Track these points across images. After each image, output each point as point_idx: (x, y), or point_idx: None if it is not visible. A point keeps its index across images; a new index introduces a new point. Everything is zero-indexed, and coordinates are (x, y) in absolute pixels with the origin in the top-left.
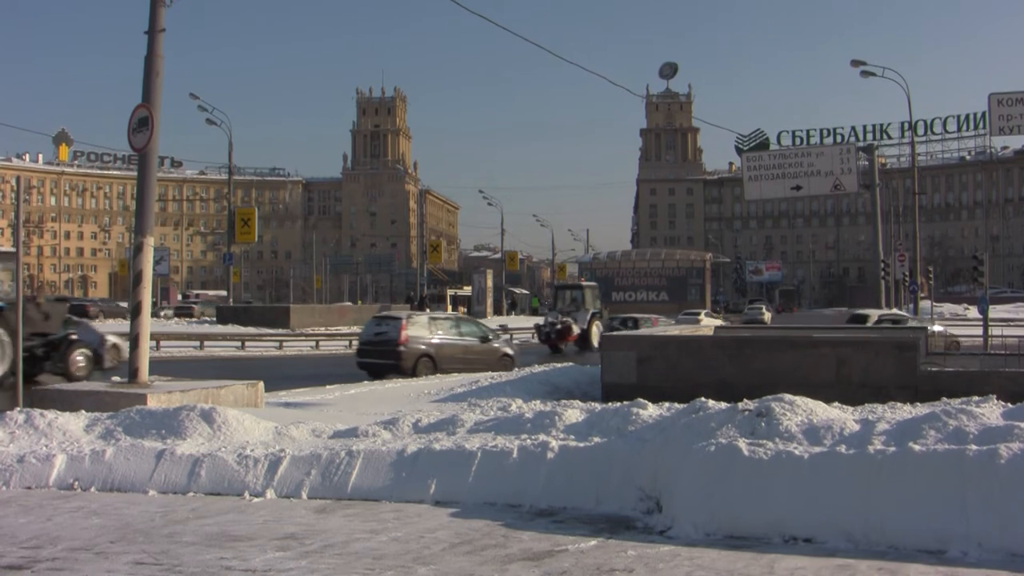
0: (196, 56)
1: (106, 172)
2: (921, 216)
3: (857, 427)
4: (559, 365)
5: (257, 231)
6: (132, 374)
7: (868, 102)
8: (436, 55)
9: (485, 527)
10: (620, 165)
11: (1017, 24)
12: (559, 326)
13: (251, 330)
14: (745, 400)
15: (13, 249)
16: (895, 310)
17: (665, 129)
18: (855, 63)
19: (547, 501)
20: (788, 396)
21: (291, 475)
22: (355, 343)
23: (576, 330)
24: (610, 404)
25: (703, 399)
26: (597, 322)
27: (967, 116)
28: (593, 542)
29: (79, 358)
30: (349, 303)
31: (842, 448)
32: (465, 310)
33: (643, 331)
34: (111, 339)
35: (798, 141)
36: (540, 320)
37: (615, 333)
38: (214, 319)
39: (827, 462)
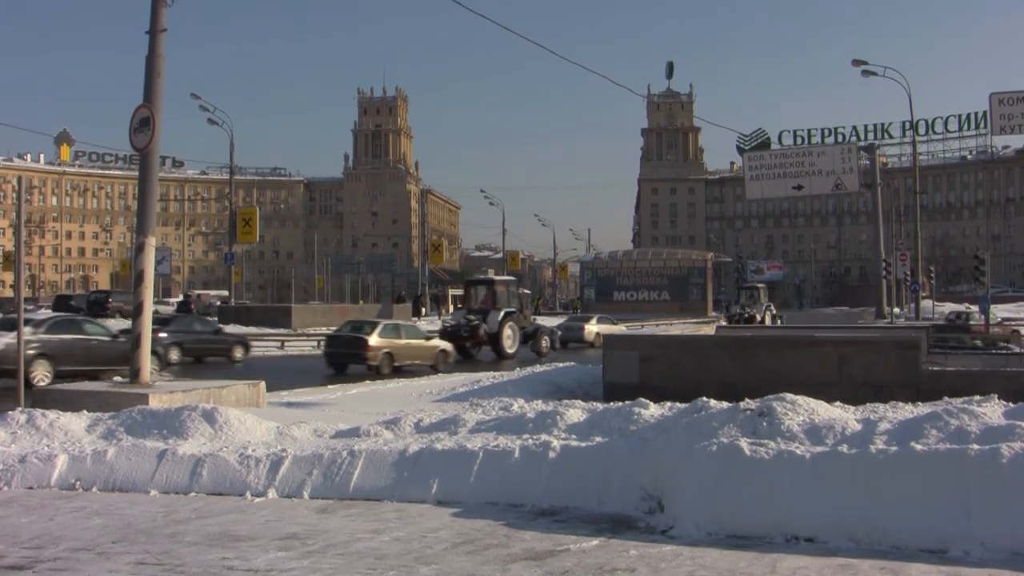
0: (197, 55)
1: (107, 172)
2: (922, 215)
3: (859, 427)
4: (561, 365)
5: (259, 231)
6: (134, 374)
7: (869, 102)
8: (437, 54)
9: (487, 527)
10: (621, 164)
11: (1018, 22)
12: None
13: (253, 330)
14: (747, 400)
15: (513, 278)
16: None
17: (666, 128)
18: (856, 63)
19: (549, 501)
20: (790, 395)
21: (293, 475)
22: None
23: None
24: (612, 404)
25: (705, 399)
26: (769, 313)
27: (968, 115)
28: (595, 542)
29: (544, 341)
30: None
31: (844, 448)
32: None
33: (645, 331)
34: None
35: (799, 140)
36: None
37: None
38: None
39: (829, 462)
